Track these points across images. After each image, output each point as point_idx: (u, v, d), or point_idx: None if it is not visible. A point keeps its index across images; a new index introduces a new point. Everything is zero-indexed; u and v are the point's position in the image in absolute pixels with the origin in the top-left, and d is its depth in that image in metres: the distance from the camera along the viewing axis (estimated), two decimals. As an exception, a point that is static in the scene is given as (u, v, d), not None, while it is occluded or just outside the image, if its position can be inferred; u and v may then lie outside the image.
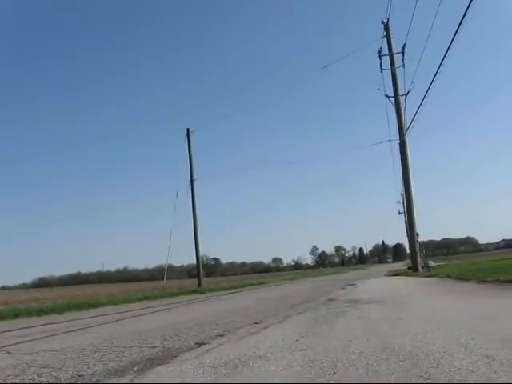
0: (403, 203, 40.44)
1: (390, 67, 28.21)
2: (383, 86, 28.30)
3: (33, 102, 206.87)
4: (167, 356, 5.15)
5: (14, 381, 4.34)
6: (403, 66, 27.29)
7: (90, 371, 4.56)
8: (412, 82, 26.24)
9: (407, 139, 27.60)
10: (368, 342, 4.99)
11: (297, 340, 5.52)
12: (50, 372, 4.62)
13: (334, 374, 3.65)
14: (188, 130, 34.28)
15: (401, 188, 32.18)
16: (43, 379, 4.32)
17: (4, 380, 4.39)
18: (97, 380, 4.14)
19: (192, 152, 33.92)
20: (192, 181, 33.88)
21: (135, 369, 4.52)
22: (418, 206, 29.35)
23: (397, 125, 27.87)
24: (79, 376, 4.36)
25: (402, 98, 27.53)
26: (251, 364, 4.30)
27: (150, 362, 4.82)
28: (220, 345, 5.68)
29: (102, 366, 4.80)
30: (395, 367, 3.71)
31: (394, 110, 27.89)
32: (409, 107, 27.39)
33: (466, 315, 6.51)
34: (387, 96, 28.12)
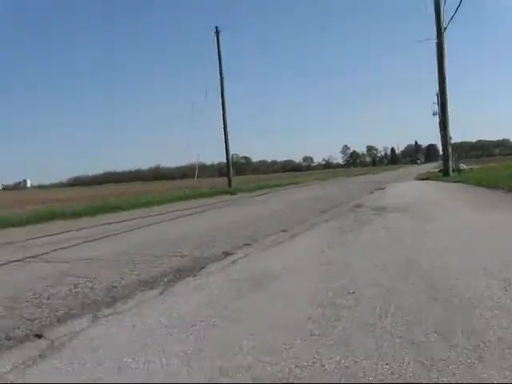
0: (438, 104, 39.56)
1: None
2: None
3: None
4: (195, 267, 5.37)
5: (52, 291, 4.60)
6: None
7: (123, 282, 4.80)
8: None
9: (444, 39, 26.66)
10: (391, 256, 5.12)
11: (322, 251, 5.68)
12: (85, 282, 4.87)
13: (354, 293, 3.78)
14: (217, 27, 33.52)
15: (436, 88, 31.25)
16: (78, 290, 4.58)
17: (43, 290, 4.66)
18: (129, 292, 4.37)
19: (221, 50, 33.36)
20: (222, 79, 33.53)
21: (165, 280, 4.74)
22: (453, 107, 28.68)
23: (435, 24, 26.82)
24: (113, 287, 4.60)
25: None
26: (274, 278, 4.47)
27: (180, 273, 5.04)
28: (246, 255, 5.88)
29: (134, 276, 5.04)
30: (413, 288, 3.83)
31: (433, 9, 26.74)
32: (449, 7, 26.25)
33: (489, 232, 6.56)
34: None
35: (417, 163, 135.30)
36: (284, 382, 2.29)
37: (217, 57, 33.57)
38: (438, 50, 26.70)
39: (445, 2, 26.18)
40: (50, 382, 2.55)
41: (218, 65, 33.50)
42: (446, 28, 26.18)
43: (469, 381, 2.26)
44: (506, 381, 2.24)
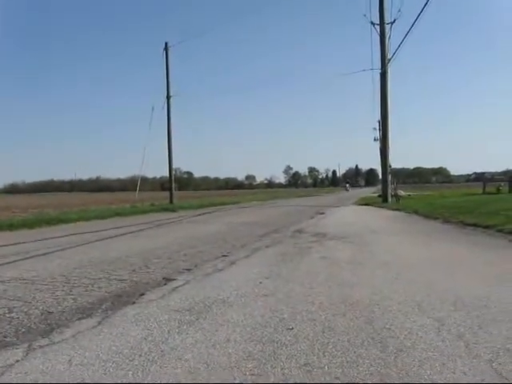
0: (379, 130, 40.58)
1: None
2: (369, 13, 27.77)
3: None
4: (135, 293, 5.32)
5: (-16, 314, 4.48)
6: (391, -8, 26.77)
7: (60, 307, 4.71)
8: (399, 11, 25.83)
9: (389, 69, 27.44)
10: (329, 291, 5.19)
11: (260, 282, 5.72)
12: (20, 306, 4.75)
13: (292, 329, 3.83)
14: (166, 44, 33.54)
15: (378, 115, 32.03)
16: (13, 315, 4.46)
17: (-26, 313, 4.52)
18: (66, 319, 4.29)
19: (170, 68, 33.39)
20: (168, 97, 33.55)
21: (103, 307, 4.68)
22: (394, 134, 29.46)
23: (380, 54, 27.58)
24: (49, 313, 4.50)
25: (387, 27, 27.13)
26: (215, 310, 4.48)
27: (118, 300, 4.99)
28: (187, 282, 5.86)
29: (72, 301, 4.95)
30: (351, 325, 3.91)
31: (378, 39, 27.50)
32: (393, 37, 27.08)
33: (427, 265, 6.76)
34: (372, 23, 27.63)
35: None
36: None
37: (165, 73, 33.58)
38: (381, 80, 27.49)
39: (390, 33, 26.98)
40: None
41: (166, 81, 33.49)
42: (390, 60, 26.96)
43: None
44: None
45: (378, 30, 27.35)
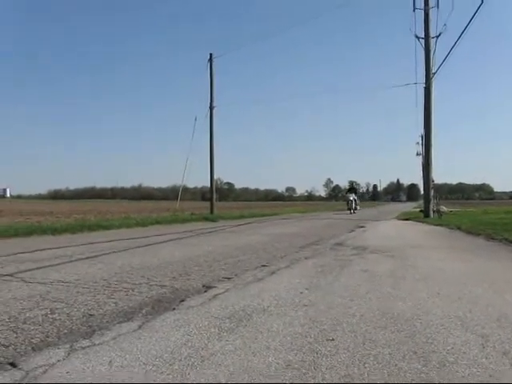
0: (422, 145, 40.12)
1: (423, 7, 27.36)
2: (414, 27, 27.54)
3: None
4: (175, 299, 5.35)
5: (28, 315, 4.56)
6: (437, 6, 26.51)
7: (101, 310, 4.76)
8: (444, 25, 25.57)
9: (433, 84, 27.15)
10: (370, 303, 5.12)
11: (301, 293, 5.68)
12: (62, 308, 4.82)
13: (333, 340, 3.79)
14: (211, 55, 33.85)
15: (421, 130, 31.68)
16: (55, 316, 4.53)
17: (19, 313, 4.61)
18: (107, 322, 4.33)
19: (213, 79, 33.66)
20: (211, 107, 33.80)
21: (143, 312, 4.71)
22: (437, 149, 28.99)
23: (424, 68, 27.31)
24: (90, 315, 4.56)
25: (432, 41, 26.87)
26: (255, 318, 4.45)
27: (158, 305, 5.02)
28: (227, 290, 5.85)
29: (113, 305, 5.00)
30: (392, 338, 3.84)
31: (422, 52, 27.25)
32: (438, 51, 26.80)
33: (469, 281, 6.60)
34: (417, 37, 27.41)
35: (400, 201, 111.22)
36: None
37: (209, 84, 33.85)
38: (425, 94, 27.18)
39: (435, 47, 26.70)
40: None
41: (209, 91, 33.75)
42: (434, 73, 26.68)
43: None
44: None
45: (423, 44, 27.11)
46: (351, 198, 39.60)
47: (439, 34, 26.17)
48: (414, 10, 27.63)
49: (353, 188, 44.25)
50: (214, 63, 33.74)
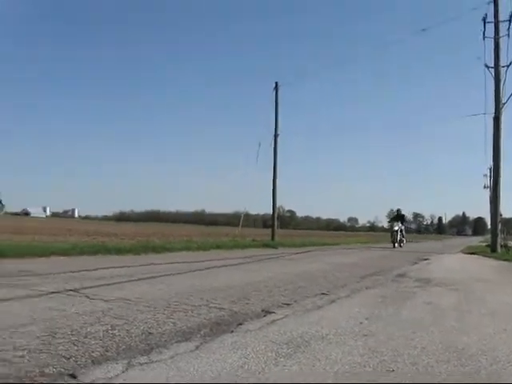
0: (490, 177, 39.01)
1: (493, 35, 26.87)
2: (483, 56, 27.03)
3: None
4: (233, 322, 5.33)
5: (89, 329, 4.63)
6: (508, 35, 26.00)
7: (160, 329, 4.79)
8: (515, 54, 25.01)
9: (503, 114, 26.49)
10: (432, 336, 4.97)
11: (361, 323, 5.56)
12: (122, 325, 4.88)
13: (393, 371, 3.68)
14: (276, 83, 34.19)
15: (490, 162, 30.83)
16: (115, 332, 4.59)
17: (81, 327, 4.69)
18: (165, 340, 4.36)
19: (278, 107, 33.94)
20: (276, 135, 34.03)
21: (202, 333, 4.71)
22: (505, 182, 28.16)
23: (493, 98, 26.70)
24: (149, 333, 4.59)
25: (502, 70, 26.29)
26: (313, 345, 4.39)
27: (216, 327, 5.01)
28: (285, 316, 5.79)
29: (171, 325, 5.03)
30: (455, 372, 3.70)
31: (491, 82, 26.68)
32: (508, 80, 26.19)
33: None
34: (487, 66, 26.90)
35: (465, 235, 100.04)
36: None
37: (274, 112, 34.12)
38: (494, 125, 26.52)
39: (505, 76, 26.12)
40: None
41: (274, 119, 34.01)
42: (505, 103, 26.03)
43: None
44: None
45: (493, 74, 26.56)
46: (396, 228, 32.31)
47: (510, 63, 25.64)
48: (483, 39, 27.20)
49: (399, 216, 34.19)
50: (279, 91, 34.05)
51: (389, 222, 36.31)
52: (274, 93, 34.02)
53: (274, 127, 34.01)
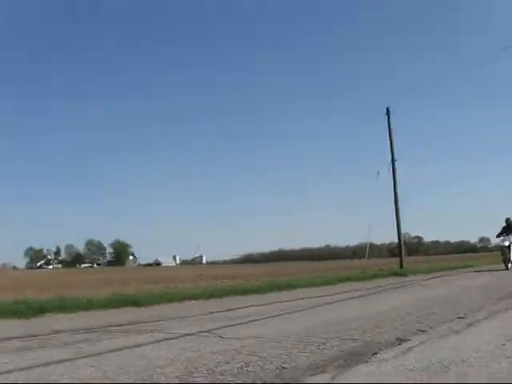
0: None
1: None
2: None
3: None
4: (367, 352, 5.21)
5: (224, 367, 4.71)
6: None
7: (293, 363, 4.78)
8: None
9: None
10: None
11: (503, 344, 5.26)
12: (256, 361, 4.92)
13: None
14: (387, 108, 33.71)
15: None
16: (249, 368, 4.62)
17: (215, 366, 4.78)
18: (299, 374, 4.33)
19: (392, 133, 33.38)
20: (393, 160, 33.39)
21: (336, 364, 4.64)
22: None
23: None
24: (283, 368, 4.59)
25: None
26: (453, 370, 4.19)
27: (350, 358, 4.92)
28: (421, 343, 5.59)
29: (304, 358, 5.00)
30: None
31: None
32: None
33: None
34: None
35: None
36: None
37: (388, 136, 33.58)
38: None
39: None
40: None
41: (389, 144, 33.46)
42: None
43: None
44: None
45: None
46: (506, 244, 23.94)
47: None
48: None
49: (510, 227, 24.53)
50: (391, 116, 33.55)
51: (497, 236, 24.82)
52: (386, 118, 33.54)
53: (393, 154, 33.41)
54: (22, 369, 4.95)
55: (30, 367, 5.02)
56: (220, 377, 4.31)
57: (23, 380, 4.47)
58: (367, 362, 4.73)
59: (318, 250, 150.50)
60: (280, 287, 16.58)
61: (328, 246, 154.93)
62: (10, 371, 4.83)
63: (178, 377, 4.35)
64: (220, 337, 6.59)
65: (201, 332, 7.06)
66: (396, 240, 34.99)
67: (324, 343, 5.82)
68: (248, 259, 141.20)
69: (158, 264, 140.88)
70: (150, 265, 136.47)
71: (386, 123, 33.59)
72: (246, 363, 4.84)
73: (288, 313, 9.28)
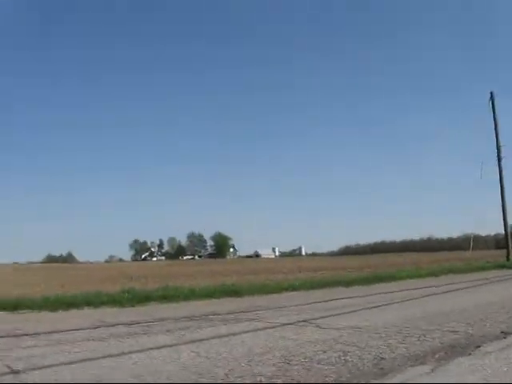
0: None
1: None
2: None
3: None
4: (469, 344, 5.06)
5: (322, 356, 4.71)
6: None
7: (392, 354, 4.71)
8: None
9: None
10: None
11: None
12: (354, 351, 4.88)
13: None
14: (491, 93, 32.19)
15: None
16: (347, 358, 4.60)
17: (313, 355, 4.79)
18: (398, 365, 4.26)
19: (497, 119, 31.86)
20: (498, 147, 31.90)
21: (436, 356, 4.53)
22: None
23: None
24: (381, 359, 4.53)
25: None
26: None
27: (451, 350, 4.79)
28: (528, 337, 5.36)
29: (404, 349, 4.91)
30: None
31: None
32: None
33: None
34: None
35: None
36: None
37: (493, 123, 32.09)
38: None
39: None
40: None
41: (494, 132, 31.98)
42: None
43: None
44: None
45: None
46: None
47: None
48: None
49: None
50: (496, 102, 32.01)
51: None
52: (490, 103, 32.03)
53: (498, 143, 31.92)
54: (130, 352, 5.22)
55: (137, 351, 5.27)
56: (317, 365, 4.32)
57: (130, 363, 4.68)
58: (470, 354, 4.58)
59: (420, 241, 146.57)
60: (382, 278, 16.37)
61: (430, 238, 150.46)
62: (120, 354, 5.10)
63: (274, 364, 4.40)
64: (318, 326, 6.61)
65: (299, 322, 7.10)
66: (502, 231, 33.50)
67: (424, 335, 5.70)
68: (347, 251, 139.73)
69: (257, 256, 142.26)
70: (249, 257, 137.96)
71: (490, 110, 32.10)
72: (343, 352, 4.82)
73: (389, 304, 9.16)
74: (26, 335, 6.53)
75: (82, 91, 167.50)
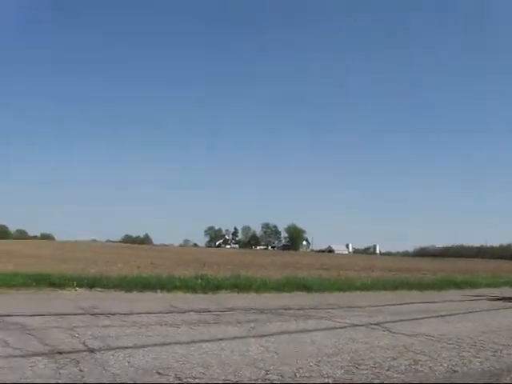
0: None
1: None
2: None
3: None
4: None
5: (391, 363, 4.62)
6: None
7: (465, 368, 4.57)
8: None
9: None
10: None
11: None
12: (425, 361, 4.77)
13: None
14: None
15: None
16: (418, 367, 4.49)
17: (383, 360, 4.70)
18: (472, 380, 4.13)
19: None
20: None
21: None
22: None
23: None
24: (453, 371, 4.40)
25: None
26: None
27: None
28: None
29: (477, 364, 4.76)
30: None
31: None
32: None
33: None
34: None
35: None
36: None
37: None
38: None
39: None
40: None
41: None
42: None
43: None
44: None
45: None
46: None
47: None
48: None
49: None
50: None
51: None
52: None
53: None
54: (201, 340, 5.33)
55: (207, 340, 5.36)
56: (386, 372, 4.25)
57: (201, 352, 4.76)
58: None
59: (501, 248, 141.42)
60: (457, 284, 15.98)
61: (510, 245, 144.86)
62: (190, 342, 5.20)
63: (343, 367, 4.36)
64: (389, 331, 6.51)
65: (370, 324, 7.02)
66: None
67: (501, 350, 5.49)
68: (422, 252, 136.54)
69: (330, 251, 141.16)
70: (322, 251, 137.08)
71: None
72: (414, 361, 4.73)
73: (464, 313, 8.90)
74: (102, 314, 6.78)
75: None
